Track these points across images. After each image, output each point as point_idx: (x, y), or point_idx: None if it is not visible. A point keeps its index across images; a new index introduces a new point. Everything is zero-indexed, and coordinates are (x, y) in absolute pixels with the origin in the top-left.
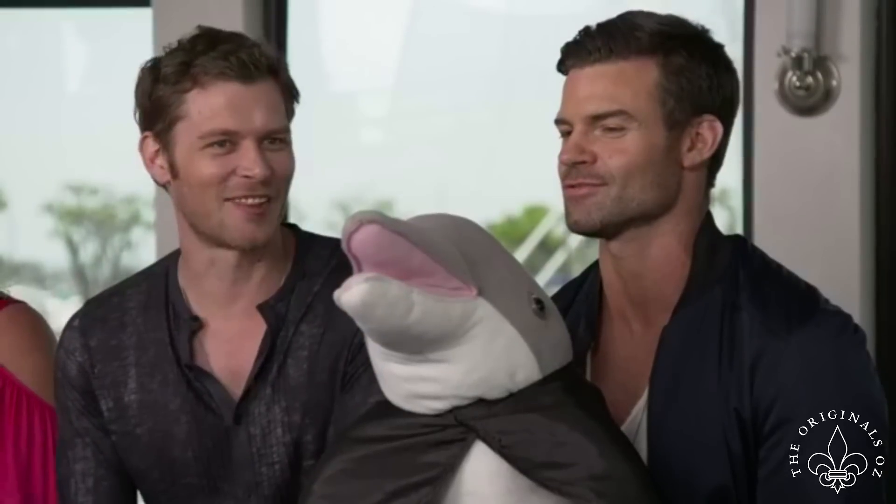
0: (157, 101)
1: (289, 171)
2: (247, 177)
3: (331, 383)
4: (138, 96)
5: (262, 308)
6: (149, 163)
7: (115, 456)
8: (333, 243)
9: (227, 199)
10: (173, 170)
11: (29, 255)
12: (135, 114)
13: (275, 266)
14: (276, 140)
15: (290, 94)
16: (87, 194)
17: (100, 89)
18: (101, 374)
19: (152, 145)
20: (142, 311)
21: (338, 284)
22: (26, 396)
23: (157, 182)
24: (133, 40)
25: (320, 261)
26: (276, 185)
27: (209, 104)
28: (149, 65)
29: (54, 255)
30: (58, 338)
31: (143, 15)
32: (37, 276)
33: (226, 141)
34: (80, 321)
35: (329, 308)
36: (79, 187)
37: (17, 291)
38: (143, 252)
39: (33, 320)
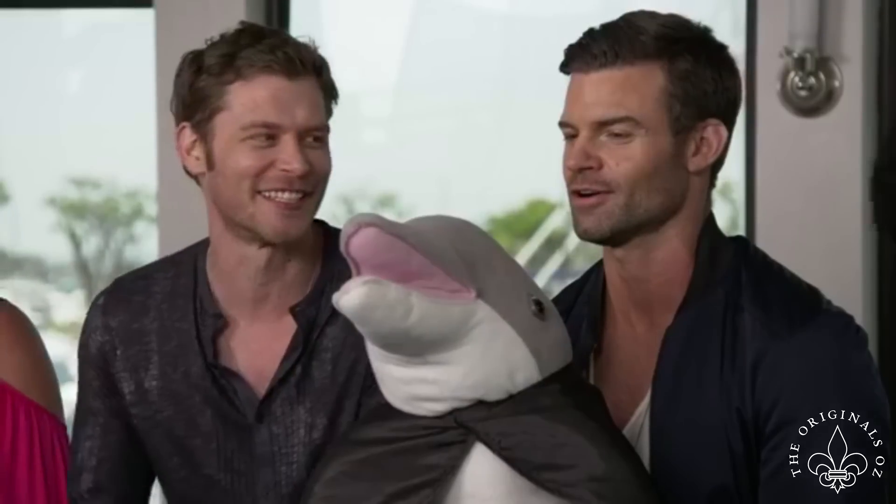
0: (197, 92)
1: (326, 169)
2: (285, 171)
3: (350, 385)
4: (177, 87)
5: (294, 311)
6: (184, 154)
7: (124, 441)
8: None
9: (260, 193)
10: (210, 161)
11: (31, 248)
12: (171, 105)
13: (305, 266)
14: (316, 138)
15: (331, 94)
16: (90, 188)
17: (102, 86)
18: (122, 357)
19: (189, 136)
20: (167, 297)
21: None
22: (10, 395)
23: (188, 173)
24: (134, 39)
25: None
26: (313, 180)
27: (252, 96)
28: (190, 56)
29: (57, 249)
30: (44, 334)
31: (145, 15)
32: (39, 269)
33: (267, 134)
34: (104, 300)
35: None
36: (81, 181)
37: (19, 285)
38: (146, 246)
39: (16, 318)
